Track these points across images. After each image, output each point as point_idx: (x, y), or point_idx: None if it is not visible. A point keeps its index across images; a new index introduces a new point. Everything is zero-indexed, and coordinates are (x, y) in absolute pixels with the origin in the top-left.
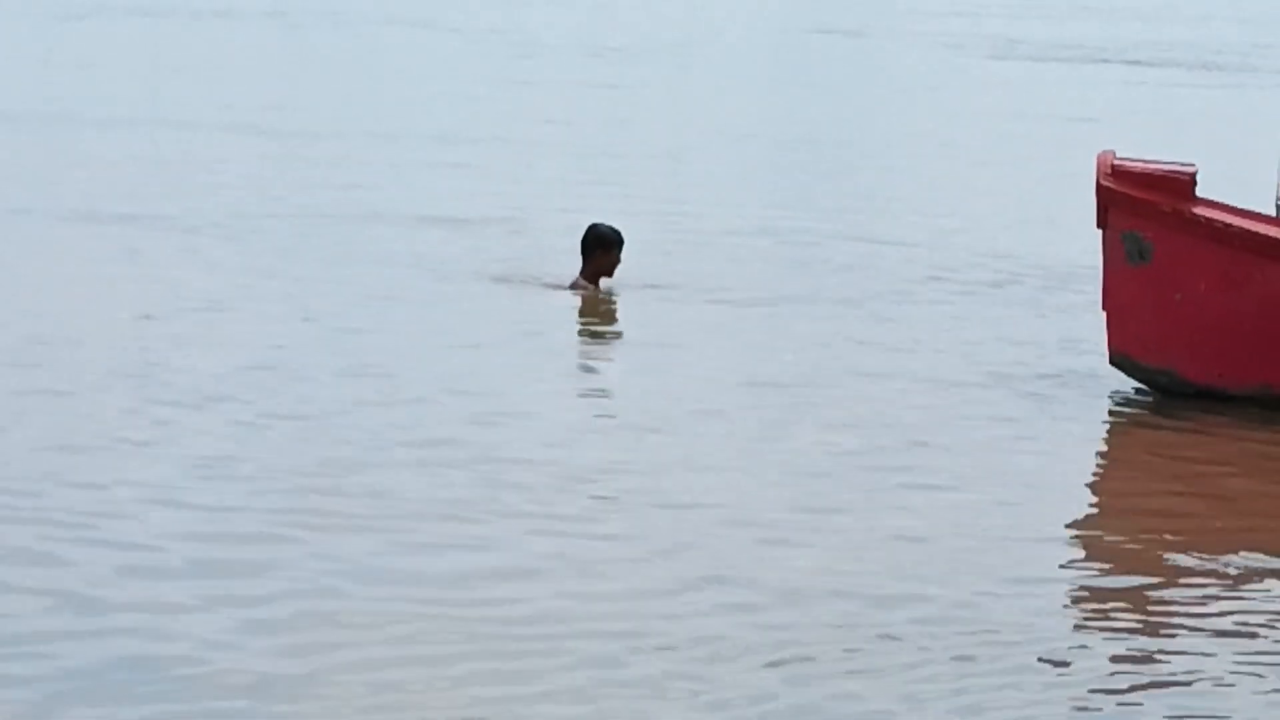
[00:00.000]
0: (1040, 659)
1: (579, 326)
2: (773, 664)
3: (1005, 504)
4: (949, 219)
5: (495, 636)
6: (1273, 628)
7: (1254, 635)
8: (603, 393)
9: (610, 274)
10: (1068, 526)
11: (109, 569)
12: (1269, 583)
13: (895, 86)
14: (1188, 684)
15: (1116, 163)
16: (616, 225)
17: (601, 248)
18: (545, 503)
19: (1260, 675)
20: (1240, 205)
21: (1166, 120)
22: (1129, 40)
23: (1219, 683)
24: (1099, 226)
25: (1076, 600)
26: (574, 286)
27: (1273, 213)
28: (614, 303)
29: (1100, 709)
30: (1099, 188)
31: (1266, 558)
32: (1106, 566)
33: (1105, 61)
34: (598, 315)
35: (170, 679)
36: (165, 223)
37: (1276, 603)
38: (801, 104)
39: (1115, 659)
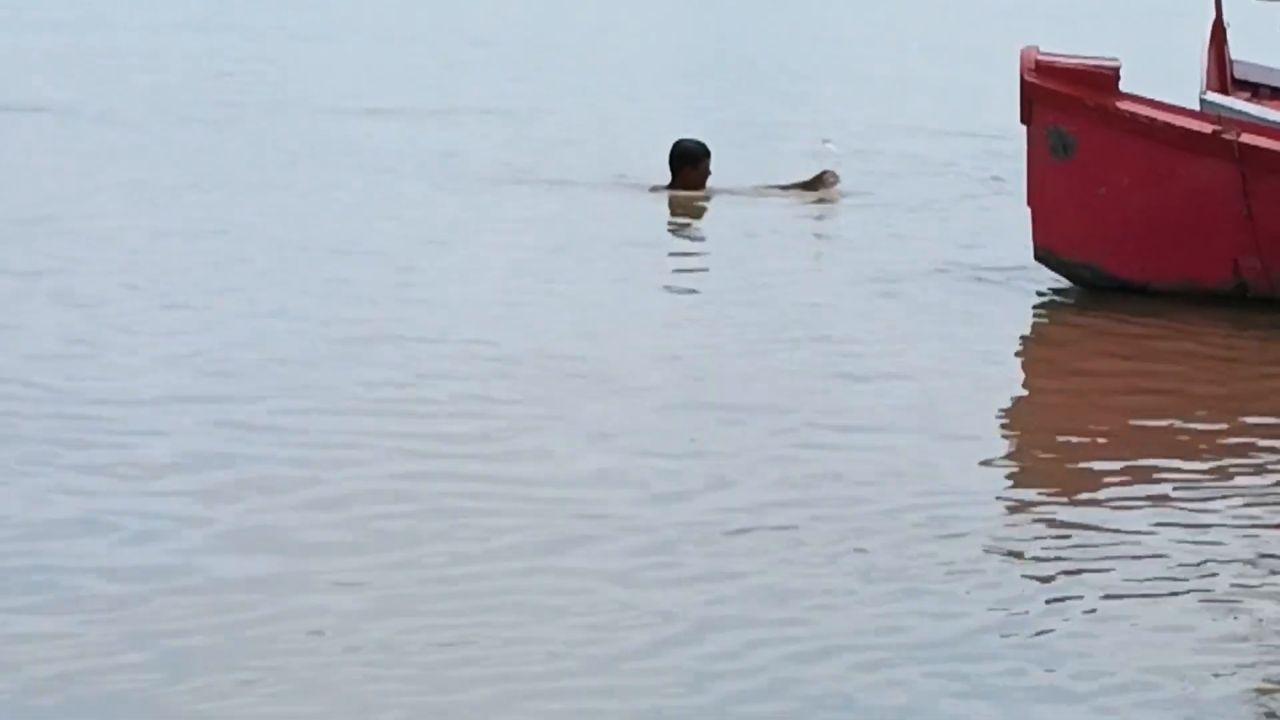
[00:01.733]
0: (985, 550)
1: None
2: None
3: (928, 395)
4: (890, 113)
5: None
6: (1191, 507)
7: (1174, 511)
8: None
9: (701, 186)
10: (993, 416)
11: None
12: (1185, 467)
13: None
14: (1115, 566)
15: (1040, 58)
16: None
17: (689, 162)
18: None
19: (1183, 551)
20: (1166, 100)
21: (1109, 14)
22: None
23: (1144, 555)
24: (1023, 122)
25: (1008, 486)
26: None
27: (1197, 107)
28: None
29: (1037, 592)
30: (1023, 83)
31: (1185, 445)
32: (1034, 455)
33: None
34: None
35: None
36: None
37: (1194, 487)
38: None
39: (1050, 545)
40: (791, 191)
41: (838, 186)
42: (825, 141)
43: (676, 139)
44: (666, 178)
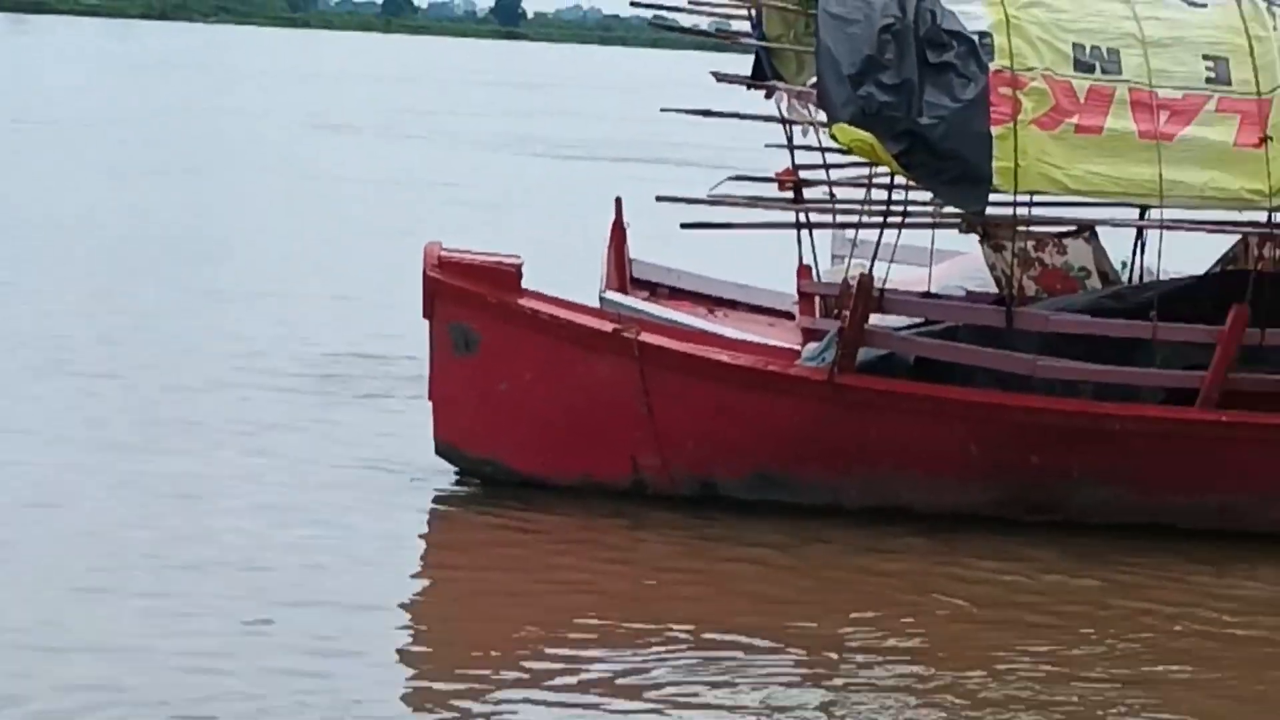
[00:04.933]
0: None
1: None
2: None
3: (316, 596)
4: (283, 314)
5: None
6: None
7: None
8: None
9: None
10: (390, 621)
11: None
12: (602, 653)
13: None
14: None
15: (443, 254)
16: None
17: None
18: None
19: None
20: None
21: (514, 211)
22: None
23: None
24: (425, 317)
25: (404, 693)
26: None
27: (598, 305)
28: None
29: None
30: (425, 279)
31: (593, 636)
32: (432, 655)
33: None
34: None
35: None
36: None
37: (604, 689)
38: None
39: None
40: None
41: None
42: None
43: None
44: None
